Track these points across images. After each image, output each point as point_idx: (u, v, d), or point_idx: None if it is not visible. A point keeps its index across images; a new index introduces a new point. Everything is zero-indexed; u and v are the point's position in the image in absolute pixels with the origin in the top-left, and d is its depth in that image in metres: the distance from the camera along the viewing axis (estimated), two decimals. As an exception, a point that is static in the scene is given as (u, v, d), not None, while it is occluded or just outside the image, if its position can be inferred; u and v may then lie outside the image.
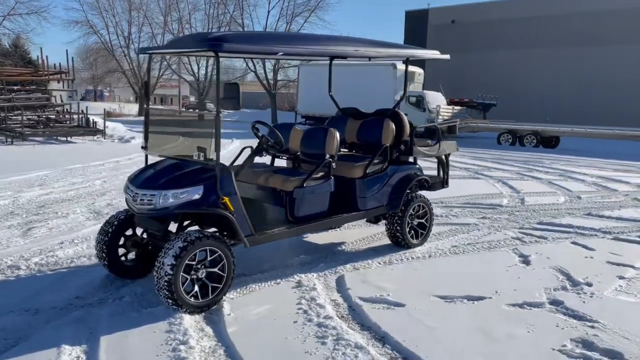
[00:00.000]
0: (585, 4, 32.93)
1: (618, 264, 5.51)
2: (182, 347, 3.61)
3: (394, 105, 6.23)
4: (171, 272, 4.00)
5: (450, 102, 25.87)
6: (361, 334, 3.87)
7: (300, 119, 28.11)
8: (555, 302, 4.45)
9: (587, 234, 6.75)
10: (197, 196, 4.24)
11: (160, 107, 36.53)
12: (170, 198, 4.23)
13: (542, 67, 34.16)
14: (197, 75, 38.66)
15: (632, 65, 31.19)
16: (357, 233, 6.50)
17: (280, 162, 6.18)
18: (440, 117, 23.95)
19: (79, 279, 4.89)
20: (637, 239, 6.54)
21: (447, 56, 6.19)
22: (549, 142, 22.44)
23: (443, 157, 6.41)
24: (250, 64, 35.95)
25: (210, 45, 4.13)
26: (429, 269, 5.32)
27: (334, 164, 5.20)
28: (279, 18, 36.41)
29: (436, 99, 25.16)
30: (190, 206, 4.25)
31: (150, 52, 4.93)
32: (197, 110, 36.14)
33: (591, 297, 4.59)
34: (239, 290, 4.63)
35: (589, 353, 3.57)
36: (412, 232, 5.93)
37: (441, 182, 6.48)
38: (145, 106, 4.97)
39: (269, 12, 41.32)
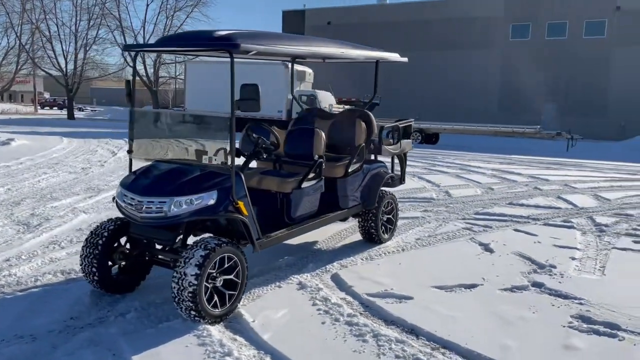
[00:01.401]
0: (445, 12, 35.91)
1: (563, 247, 6.22)
2: (227, 358, 3.48)
3: (365, 105, 6.40)
4: (196, 282, 3.81)
5: (339, 102, 26.70)
6: (391, 328, 4.00)
7: (188, 117, 27.35)
8: (536, 285, 4.94)
9: (521, 221, 7.50)
10: (212, 201, 4.07)
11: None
12: (184, 204, 4.01)
13: (414, 69, 36.49)
14: (64, 70, 35.62)
15: (481, 66, 34.67)
16: (324, 231, 6.59)
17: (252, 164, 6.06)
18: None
19: (60, 298, 4.43)
20: (563, 223, 7.41)
21: (405, 59, 6.50)
22: (430, 139, 24.15)
23: (402, 154, 6.73)
24: (129, 59, 33.94)
25: (226, 45, 3.99)
26: (412, 262, 5.58)
27: (324, 164, 5.25)
28: (160, 12, 34.84)
29: (327, 99, 25.83)
30: (206, 212, 4.07)
31: (138, 49, 4.59)
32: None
33: (562, 277, 5.16)
34: (243, 297, 4.51)
35: (594, 327, 4.04)
36: (383, 227, 6.17)
37: (399, 178, 6.80)
38: (130, 108, 4.63)
39: (148, 5, 39.36)
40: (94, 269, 4.34)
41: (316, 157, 5.24)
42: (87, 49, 36.19)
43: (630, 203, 8.98)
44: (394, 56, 6.37)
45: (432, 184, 10.61)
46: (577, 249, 6.16)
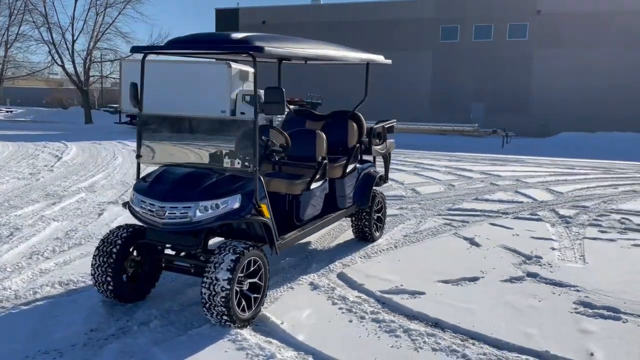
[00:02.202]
0: (378, 13, 36.78)
1: (539, 238, 6.62)
2: (286, 354, 3.50)
3: (355, 107, 6.50)
4: (228, 287, 3.78)
5: (282, 101, 26.65)
6: (415, 323, 4.13)
7: (125, 118, 26.49)
8: (531, 275, 5.24)
9: (492, 215, 7.89)
10: (236, 205, 4.04)
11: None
12: (210, 209, 3.97)
13: (350, 69, 37.06)
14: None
15: (414, 67, 35.84)
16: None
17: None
18: (281, 116, 24.61)
19: (69, 310, 4.25)
20: (531, 216, 7.87)
21: (389, 61, 6.68)
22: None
23: (387, 154, 6.90)
24: (57, 57, 32.32)
25: (251, 48, 3.97)
26: (409, 258, 5.75)
27: (327, 165, 5.32)
28: (89, 8, 33.26)
29: (270, 98, 25.73)
30: (231, 216, 4.04)
31: (147, 51, 4.45)
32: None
33: (551, 267, 5.51)
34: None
35: (598, 311, 4.35)
36: (374, 226, 6.31)
37: (384, 178, 6.96)
38: (138, 112, 4.50)
39: (76, 0, 37.41)
40: (108, 278, 4.19)
41: (319, 158, 5.30)
42: (8, 46, 34.08)
43: (582, 195, 9.64)
44: (380, 58, 6.53)
45: (397, 182, 10.89)
46: (553, 239, 6.58)
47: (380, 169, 6.65)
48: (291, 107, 6.72)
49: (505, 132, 22.76)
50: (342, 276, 5.15)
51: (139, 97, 4.45)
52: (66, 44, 32.87)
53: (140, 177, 4.48)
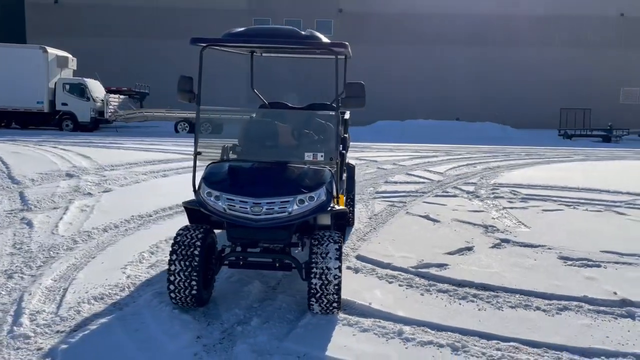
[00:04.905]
0: (190, 1, 36.03)
1: (474, 211, 7.73)
2: (404, 335, 3.78)
3: (333, 100, 6.72)
4: (340, 275, 3.94)
5: (109, 91, 24.72)
6: (468, 289, 4.73)
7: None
8: (505, 241, 6.16)
9: (414, 195, 8.85)
10: (324, 197, 4.17)
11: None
12: (306, 201, 4.04)
13: (178, 58, 35.62)
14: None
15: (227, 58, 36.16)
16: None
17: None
18: (110, 106, 22.83)
19: (143, 322, 3.89)
20: (446, 193, 9.04)
21: None
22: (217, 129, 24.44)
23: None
24: None
25: (340, 47, 4.13)
26: (397, 237, 6.26)
27: None
28: None
29: (97, 88, 23.69)
30: (323, 208, 4.15)
31: (211, 44, 4.20)
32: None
33: (510, 233, 6.55)
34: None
35: (581, 262, 5.44)
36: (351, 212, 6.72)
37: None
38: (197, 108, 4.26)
39: None
40: (193, 283, 3.95)
41: None
42: None
43: (459, 174, 11.26)
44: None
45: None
46: (485, 211, 7.75)
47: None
48: (122, 96, 6.64)
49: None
50: (362, 258, 5.47)
51: (193, 90, 4.24)
52: None
53: (203, 176, 4.27)
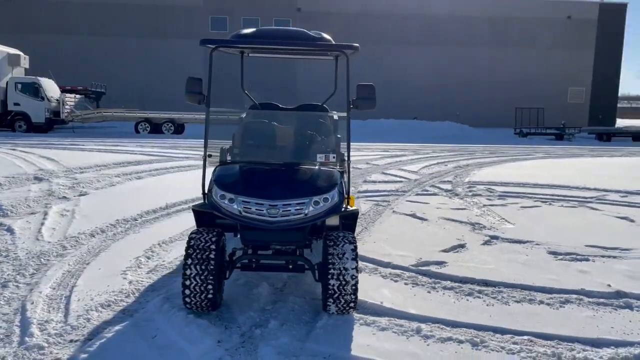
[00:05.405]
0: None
1: (457, 209, 7.91)
2: (423, 332, 3.85)
3: (324, 101, 6.72)
4: (357, 275, 3.97)
5: (63, 90, 23.90)
6: (471, 285, 4.84)
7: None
8: (494, 238, 6.35)
9: (395, 194, 8.98)
10: (337, 198, 4.19)
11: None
12: (321, 202, 4.05)
13: (135, 56, 34.88)
14: None
15: (185, 56, 35.61)
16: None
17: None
18: (67, 106, 22.08)
19: (159, 329, 3.82)
20: (426, 192, 9.20)
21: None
22: (180, 129, 23.98)
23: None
24: None
25: (349, 48, 4.15)
26: (392, 236, 6.34)
27: None
28: None
29: (51, 87, 22.86)
30: (336, 209, 4.17)
31: (221, 45, 4.12)
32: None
33: (497, 230, 6.75)
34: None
35: (569, 256, 5.66)
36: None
37: None
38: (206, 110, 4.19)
39: None
40: (209, 287, 3.89)
41: None
42: None
43: (433, 173, 11.48)
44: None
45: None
46: (467, 209, 7.95)
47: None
48: (77, 95, 6.59)
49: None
50: (363, 258, 5.47)
51: (202, 91, 4.18)
52: None
53: (214, 179, 4.21)
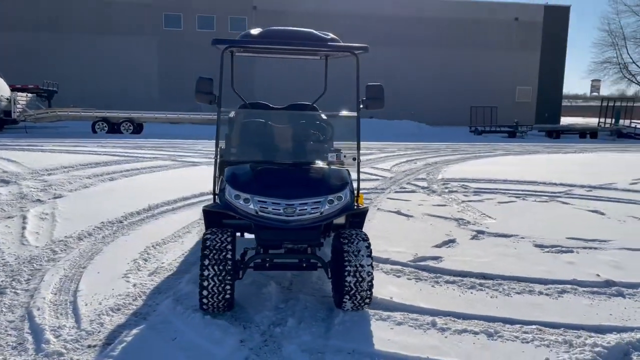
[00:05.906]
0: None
1: (439, 205, 8.12)
2: (438, 325, 3.96)
3: (315, 100, 6.74)
4: (372, 272, 4.05)
5: (13, 89, 22.88)
6: (469, 278, 5.01)
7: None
8: (481, 232, 6.56)
9: (375, 191, 9.11)
10: (349, 197, 4.25)
11: None
12: (335, 201, 4.10)
13: (85, 53, 33.77)
14: None
15: (139, 53, 34.96)
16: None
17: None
18: (18, 106, 21.17)
19: (187, 328, 3.78)
20: (403, 189, 9.37)
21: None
22: (138, 128, 23.37)
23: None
24: None
25: (362, 48, 4.21)
26: (384, 233, 6.44)
27: None
28: None
29: (1, 86, 21.83)
30: (349, 207, 4.23)
31: (236, 44, 4.09)
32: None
33: (481, 225, 6.96)
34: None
35: (555, 248, 5.92)
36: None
37: None
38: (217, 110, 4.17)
39: None
40: (227, 287, 3.88)
41: None
42: None
43: (405, 170, 11.70)
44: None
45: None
46: (447, 205, 8.16)
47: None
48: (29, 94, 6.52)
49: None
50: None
51: (213, 91, 4.16)
52: None
53: (227, 179, 4.19)
